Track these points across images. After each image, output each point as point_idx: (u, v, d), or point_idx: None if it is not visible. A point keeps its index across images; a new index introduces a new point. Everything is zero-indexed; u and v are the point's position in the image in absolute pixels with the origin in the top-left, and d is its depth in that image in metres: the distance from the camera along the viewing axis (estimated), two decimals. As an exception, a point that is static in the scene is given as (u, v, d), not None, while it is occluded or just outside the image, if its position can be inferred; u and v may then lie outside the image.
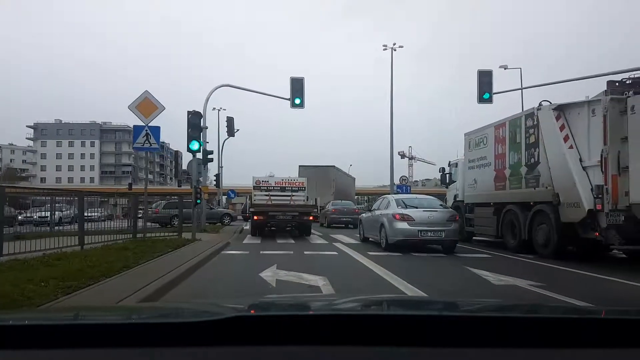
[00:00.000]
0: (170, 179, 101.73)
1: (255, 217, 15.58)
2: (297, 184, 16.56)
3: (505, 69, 27.59)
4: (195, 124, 14.23)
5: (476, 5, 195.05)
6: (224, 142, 33.31)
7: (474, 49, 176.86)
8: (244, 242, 13.55)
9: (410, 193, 18.98)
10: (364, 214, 14.44)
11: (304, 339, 0.98)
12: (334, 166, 29.48)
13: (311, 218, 16.06)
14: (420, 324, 1.07)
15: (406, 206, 11.06)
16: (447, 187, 16.67)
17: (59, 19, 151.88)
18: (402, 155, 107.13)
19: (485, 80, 15.90)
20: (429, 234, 10.44)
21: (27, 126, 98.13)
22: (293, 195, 16.17)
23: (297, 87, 17.20)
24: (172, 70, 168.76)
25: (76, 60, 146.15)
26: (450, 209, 11.34)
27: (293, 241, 13.80)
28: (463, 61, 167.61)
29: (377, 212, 12.17)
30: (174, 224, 18.58)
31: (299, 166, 28.28)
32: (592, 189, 8.75)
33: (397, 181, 29.40)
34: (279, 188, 16.28)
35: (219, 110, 46.71)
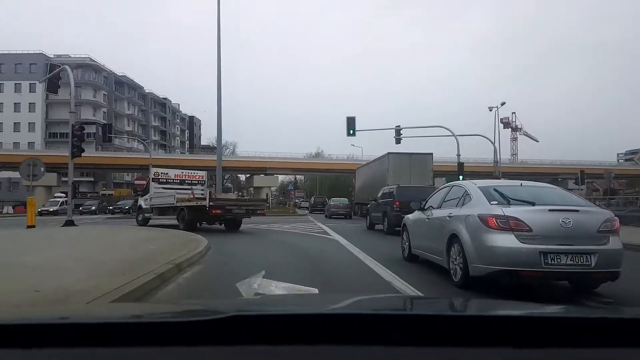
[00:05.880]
0: (182, 152, 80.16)
1: (213, 211, 14.61)
2: (197, 177, 17.37)
3: None
4: None
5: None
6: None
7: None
8: None
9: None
10: (409, 215, 8.56)
11: (300, 338, 0.96)
12: (431, 153, 25.00)
13: (264, 212, 17.32)
14: (419, 323, 1.05)
15: (508, 201, 5.40)
16: None
17: None
18: (506, 124, 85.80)
19: None
20: (564, 259, 4.83)
21: None
22: (193, 189, 16.65)
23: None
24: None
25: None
26: (603, 209, 5.68)
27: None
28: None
29: (441, 213, 6.64)
30: None
31: (388, 153, 24.37)
32: None
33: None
34: (178, 181, 16.96)
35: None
